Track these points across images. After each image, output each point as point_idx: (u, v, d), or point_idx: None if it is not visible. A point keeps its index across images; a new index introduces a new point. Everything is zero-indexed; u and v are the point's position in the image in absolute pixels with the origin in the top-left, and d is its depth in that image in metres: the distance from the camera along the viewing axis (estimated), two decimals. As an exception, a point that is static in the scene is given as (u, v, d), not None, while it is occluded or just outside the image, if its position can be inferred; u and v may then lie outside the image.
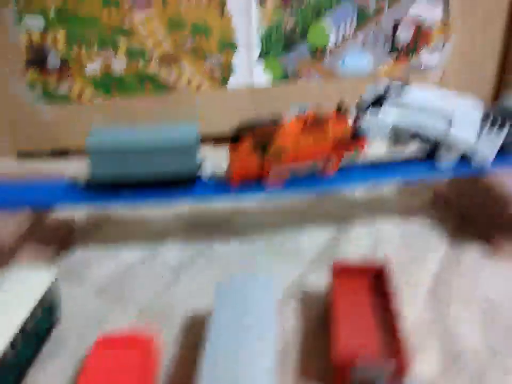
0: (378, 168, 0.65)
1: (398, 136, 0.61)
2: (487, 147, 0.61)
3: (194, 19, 1.01)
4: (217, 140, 1.17)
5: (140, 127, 0.64)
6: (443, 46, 1.14)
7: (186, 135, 0.62)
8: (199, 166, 0.62)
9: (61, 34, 0.98)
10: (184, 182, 0.61)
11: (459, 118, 0.60)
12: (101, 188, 0.61)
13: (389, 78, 0.63)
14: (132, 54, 1.02)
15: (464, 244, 0.64)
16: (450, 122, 0.60)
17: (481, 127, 0.60)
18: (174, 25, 1.01)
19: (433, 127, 0.61)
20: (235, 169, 0.59)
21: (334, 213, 0.74)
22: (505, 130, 0.60)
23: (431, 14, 1.10)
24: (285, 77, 1.10)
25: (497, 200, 0.64)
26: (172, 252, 0.66)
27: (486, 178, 0.65)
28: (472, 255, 0.62)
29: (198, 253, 0.66)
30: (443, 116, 0.60)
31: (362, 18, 1.07)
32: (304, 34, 1.06)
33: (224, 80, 1.07)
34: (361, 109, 0.62)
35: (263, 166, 0.59)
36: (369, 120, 0.60)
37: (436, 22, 1.11)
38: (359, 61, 1.12)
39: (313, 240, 0.67)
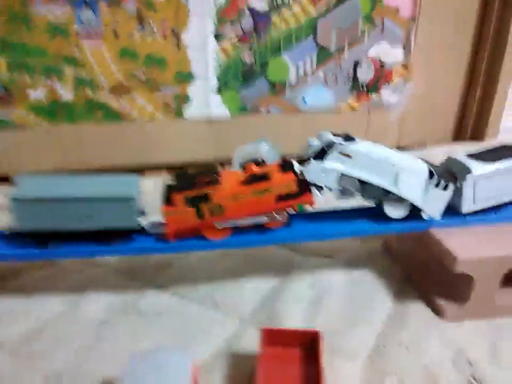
0: (325, 222, 0.62)
1: (344, 187, 0.59)
2: (432, 206, 0.59)
3: (148, 51, 0.97)
4: (172, 169, 1.14)
5: (77, 177, 0.58)
6: (403, 86, 1.14)
7: (123, 187, 0.56)
8: (137, 219, 0.57)
9: (1, 62, 0.93)
10: (120, 235, 0.57)
11: (405, 176, 0.57)
12: (27, 238, 0.56)
13: (331, 132, 0.59)
14: (80, 83, 0.97)
15: (407, 304, 0.61)
16: (396, 179, 0.58)
17: (426, 187, 0.58)
18: (126, 56, 0.97)
19: (380, 181, 0.58)
20: (170, 226, 0.55)
21: (277, 262, 0.70)
22: (450, 191, 0.59)
23: (392, 56, 1.09)
24: (243, 110, 1.07)
25: (437, 259, 0.61)
26: (96, 305, 0.60)
27: (430, 235, 0.62)
28: (415, 318, 0.58)
29: (124, 307, 0.60)
30: (390, 172, 0.57)
31: (323, 56, 1.06)
32: (263, 69, 1.04)
33: (180, 112, 1.04)
34: (305, 162, 0.59)
35: (202, 221, 0.55)
36: (315, 169, 0.57)
37: (396, 63, 1.11)
38: (320, 97, 1.10)
39: (251, 293, 0.63)
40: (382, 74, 1.10)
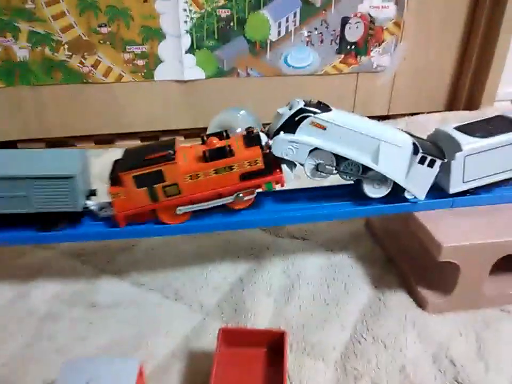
0: (299, 203, 0.55)
1: (318, 163, 0.51)
2: (416, 185, 0.53)
3: (110, 1, 0.86)
4: (143, 139, 1.05)
5: (15, 152, 0.50)
6: (395, 46, 1.04)
7: (63, 164, 0.48)
8: (81, 201, 0.50)
9: None
10: (63, 219, 0.49)
11: (386, 150, 0.50)
12: None
13: (303, 100, 0.50)
14: (36, 39, 0.86)
15: (388, 293, 0.56)
16: (376, 154, 0.51)
17: (410, 163, 0.52)
18: (86, 7, 0.86)
19: (358, 156, 0.51)
20: (119, 209, 0.48)
21: (247, 244, 0.64)
22: (436, 168, 0.52)
23: (383, 12, 0.99)
24: (220, 72, 0.97)
25: (421, 244, 0.56)
26: (43, 295, 0.54)
27: (413, 218, 0.57)
28: (395, 309, 0.53)
29: (75, 298, 0.54)
30: (369, 146, 0.50)
31: (308, 12, 0.96)
32: (241, 26, 0.94)
33: (149, 73, 0.94)
34: (273, 133, 0.51)
35: (156, 204, 0.48)
36: (284, 142, 0.49)
37: (388, 19, 1.01)
38: (304, 58, 1.01)
39: (217, 281, 0.57)
40: (372, 33, 1.00)
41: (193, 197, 0.49)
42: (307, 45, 0.99)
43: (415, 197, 0.54)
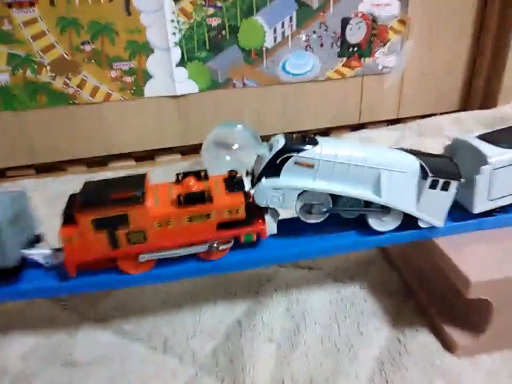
0: (294, 235, 0.47)
1: (310, 205, 0.44)
2: (431, 212, 0.45)
3: (91, 16, 0.81)
4: (138, 159, 1.00)
5: None
6: (401, 46, 0.97)
7: None
8: (15, 253, 0.42)
9: None
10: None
11: (389, 179, 0.43)
12: None
13: (283, 136, 0.43)
14: (16, 62, 0.81)
15: (408, 332, 0.48)
16: (378, 186, 0.44)
17: (420, 189, 0.44)
18: (66, 25, 0.81)
19: (357, 191, 0.43)
20: (71, 256, 0.41)
21: (245, 278, 0.57)
22: (452, 190, 0.44)
23: (386, 10, 0.92)
24: (214, 84, 0.91)
25: (444, 276, 0.48)
26: (17, 352, 0.48)
27: (432, 245, 0.49)
28: (418, 352, 0.45)
29: (51, 353, 0.48)
30: (368, 178, 0.43)
31: (305, 15, 0.89)
32: (233, 34, 0.87)
33: (139, 89, 0.88)
34: (255, 181, 0.43)
35: (116, 251, 0.41)
36: (266, 189, 0.42)
37: (392, 17, 0.93)
38: (303, 64, 0.94)
39: (211, 326, 0.50)
40: (375, 33, 0.93)
41: (161, 245, 0.42)
42: (306, 50, 0.92)
43: (431, 226, 0.46)
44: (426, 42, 0.97)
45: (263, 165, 0.42)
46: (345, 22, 0.91)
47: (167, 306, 0.53)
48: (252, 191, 0.42)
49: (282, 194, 0.42)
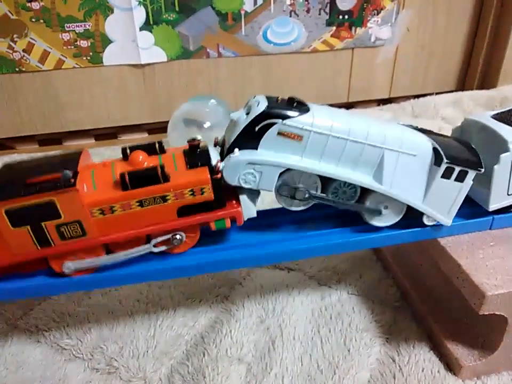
0: (277, 230, 0.38)
1: (294, 189, 0.34)
2: (440, 206, 0.36)
3: (37, -35, 0.68)
4: (99, 137, 0.88)
5: None
6: (396, 15, 0.87)
7: None
8: None
9: None
10: None
11: (394, 163, 0.35)
12: None
13: (266, 97, 0.34)
14: None
15: (404, 349, 0.40)
16: (380, 170, 0.35)
17: (430, 177, 0.36)
18: (6, -27, 0.68)
19: (353, 175, 0.34)
20: None
21: (213, 281, 0.48)
22: (468, 181, 0.35)
23: (382, -29, 0.82)
24: (185, 53, 0.80)
25: (450, 286, 0.40)
26: None
27: (437, 248, 0.41)
28: (415, 375, 0.38)
29: None
30: (369, 159, 0.34)
31: (290, -27, 0.79)
32: (207, -7, 0.76)
33: (96, 56, 0.76)
34: (226, 152, 0.34)
35: (47, 250, 0.32)
36: (239, 164, 0.32)
37: (387, -18, 0.84)
38: (287, 33, 0.83)
39: (169, 341, 0.41)
40: (368, 1, 0.83)
41: (105, 239, 0.32)
42: (290, 16, 0.81)
43: (437, 223, 0.38)
44: (423, 14, 0.88)
45: (236, 132, 0.33)
46: (335, -15, 0.81)
47: (115, 315, 0.44)
48: (221, 165, 0.33)
49: (259, 172, 0.33)
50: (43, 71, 0.75)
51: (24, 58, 0.74)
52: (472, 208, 0.40)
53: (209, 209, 0.33)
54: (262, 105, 0.32)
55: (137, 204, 0.32)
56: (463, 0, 0.89)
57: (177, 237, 0.34)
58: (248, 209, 0.35)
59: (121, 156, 0.34)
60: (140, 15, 0.75)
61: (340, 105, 0.94)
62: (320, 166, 0.34)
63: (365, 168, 0.35)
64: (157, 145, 0.34)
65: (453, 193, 0.36)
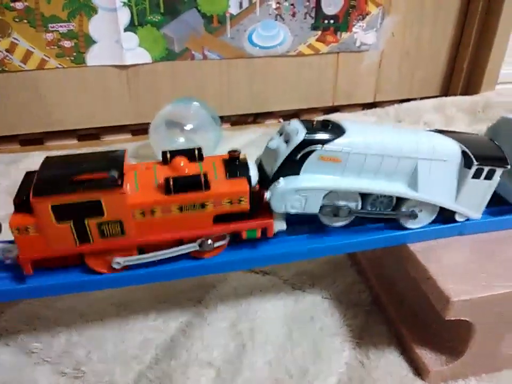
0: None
1: (337, 207, 0.36)
2: (470, 204, 0.39)
3: (19, -36, 0.68)
4: (82, 137, 0.88)
5: None
6: (382, 21, 0.88)
7: None
8: None
9: None
10: None
11: (427, 170, 0.37)
12: None
13: (300, 122, 0.36)
14: None
15: (373, 353, 0.40)
16: (415, 178, 0.37)
17: (461, 178, 0.38)
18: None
19: (390, 188, 0.37)
20: (26, 252, 0.32)
21: (187, 284, 0.48)
22: (496, 179, 0.38)
23: (367, -23, 0.83)
24: (170, 55, 0.80)
25: (418, 290, 0.40)
26: None
27: (406, 253, 0.41)
28: (383, 379, 0.39)
29: None
30: (404, 170, 0.37)
31: (275, -23, 0.79)
32: (192, -4, 0.76)
33: (80, 57, 0.76)
34: (269, 180, 0.35)
35: (84, 246, 0.33)
36: (287, 194, 0.34)
37: (372, -12, 0.84)
38: (273, 36, 0.84)
39: (138, 347, 0.41)
40: (353, 4, 0.84)
41: (142, 241, 0.34)
42: (276, 20, 0.82)
43: (467, 219, 0.41)
44: (408, 19, 0.89)
45: (279, 161, 0.34)
46: (320, -11, 0.81)
47: (86, 319, 0.44)
48: (267, 195, 0.34)
49: (304, 197, 0.35)
50: (26, 71, 0.75)
51: (7, 58, 0.73)
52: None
53: (243, 218, 0.35)
54: (301, 133, 0.34)
55: (177, 208, 0.33)
56: (448, 7, 0.90)
57: (209, 242, 0.35)
58: (279, 222, 0.36)
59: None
60: (124, 16, 0.75)
61: (324, 109, 0.95)
62: (359, 183, 0.36)
63: (400, 178, 0.37)
64: (196, 151, 0.35)
65: (482, 190, 0.39)
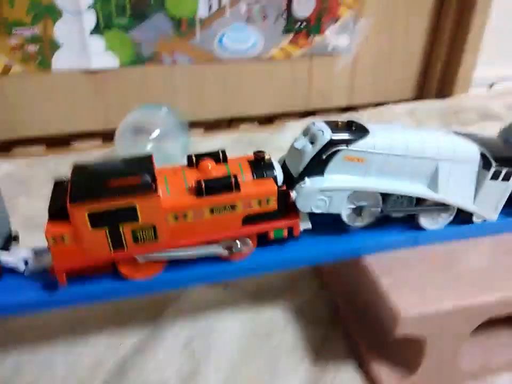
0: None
1: (359, 207, 0.37)
2: (487, 205, 0.41)
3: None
4: (50, 145, 0.86)
5: None
6: (354, 24, 0.87)
7: None
8: None
9: None
10: None
11: (448, 172, 0.38)
12: None
13: (325, 123, 0.36)
14: None
15: (329, 369, 0.40)
16: (435, 179, 0.38)
17: (479, 180, 0.40)
18: None
19: (411, 188, 0.38)
20: (62, 261, 0.32)
21: (143, 304, 0.46)
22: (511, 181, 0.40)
23: (338, -20, 0.82)
24: (138, 59, 0.79)
25: (371, 305, 0.40)
26: None
27: (359, 266, 0.41)
28: None
29: None
30: (425, 171, 0.38)
31: (245, -20, 0.78)
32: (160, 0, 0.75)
33: (45, 61, 0.74)
34: (295, 180, 0.36)
35: (118, 252, 0.33)
36: (312, 194, 0.35)
37: (344, -9, 0.83)
38: (244, 39, 0.82)
39: (86, 370, 0.39)
40: (325, 7, 0.83)
41: (174, 244, 0.34)
42: (247, 23, 0.81)
43: (484, 220, 0.42)
44: (381, 23, 0.88)
45: (304, 162, 0.35)
46: (291, -8, 0.80)
47: (38, 339, 0.42)
48: (293, 195, 0.35)
49: (329, 197, 0.36)
50: (-12, 76, 0.73)
51: (-32, 62, 0.71)
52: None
53: (271, 218, 0.35)
54: (327, 134, 0.35)
55: (209, 211, 0.33)
56: (421, 10, 0.90)
57: (239, 244, 0.35)
58: (304, 221, 0.37)
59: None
60: (90, 19, 0.73)
61: (299, 113, 0.94)
62: (382, 183, 0.37)
63: (421, 179, 0.38)
64: (220, 154, 0.35)
65: (499, 191, 0.40)
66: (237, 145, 0.80)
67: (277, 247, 0.38)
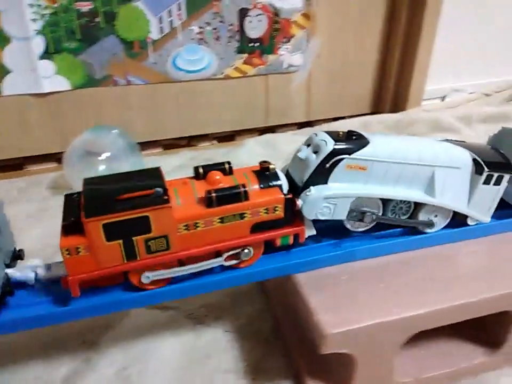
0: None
1: (361, 213, 0.39)
2: (480, 208, 0.42)
3: None
4: (6, 168, 0.84)
5: None
6: (307, 43, 0.89)
7: None
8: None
9: None
10: None
11: (443, 177, 0.40)
12: None
13: (327, 133, 0.38)
14: None
15: (268, 382, 0.40)
16: (432, 185, 0.40)
17: (472, 184, 0.41)
18: None
19: (410, 193, 0.40)
20: (76, 272, 0.32)
21: (83, 327, 0.45)
22: (504, 184, 0.42)
23: (288, 2, 0.83)
24: (90, 81, 0.79)
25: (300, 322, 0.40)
26: None
27: (288, 280, 0.41)
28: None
29: None
30: (422, 177, 0.40)
31: (195, 4, 0.79)
32: (110, 22, 0.75)
33: (-6, 87, 0.74)
34: (300, 188, 0.37)
35: (131, 263, 0.33)
36: (318, 201, 0.36)
37: (294, 12, 0.85)
38: (197, 60, 0.83)
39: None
40: (277, 27, 0.85)
41: (185, 254, 0.35)
42: (200, 44, 0.82)
43: (478, 221, 0.44)
44: (332, 42, 0.90)
45: (309, 171, 0.37)
46: (243, 13, 0.82)
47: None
48: (299, 202, 0.36)
49: (334, 204, 0.37)
50: None
51: None
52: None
53: (277, 226, 0.36)
54: (330, 144, 0.36)
55: (219, 220, 0.34)
56: (372, 29, 0.92)
57: (246, 251, 0.36)
58: (309, 227, 0.38)
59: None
60: (38, 44, 0.73)
61: (258, 130, 0.95)
62: (383, 189, 0.38)
63: (418, 185, 0.40)
64: (226, 165, 0.36)
65: (491, 195, 0.42)
66: (195, 163, 0.80)
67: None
